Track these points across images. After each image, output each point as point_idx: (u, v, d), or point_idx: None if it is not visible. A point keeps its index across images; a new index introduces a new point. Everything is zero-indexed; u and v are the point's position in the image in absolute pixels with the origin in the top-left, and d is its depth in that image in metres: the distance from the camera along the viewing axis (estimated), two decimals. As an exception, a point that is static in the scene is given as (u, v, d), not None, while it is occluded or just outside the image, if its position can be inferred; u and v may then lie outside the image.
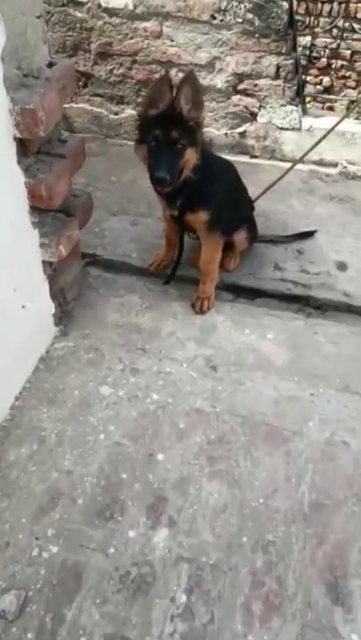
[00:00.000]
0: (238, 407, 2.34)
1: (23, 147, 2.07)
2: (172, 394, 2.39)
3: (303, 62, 3.83)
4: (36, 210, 2.21)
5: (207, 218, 2.56)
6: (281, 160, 3.91)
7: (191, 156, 2.34)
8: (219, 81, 3.71)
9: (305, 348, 2.61)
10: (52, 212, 2.32)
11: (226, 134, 3.95)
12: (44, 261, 2.36)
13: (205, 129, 4.07)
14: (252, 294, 3.01)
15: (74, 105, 4.25)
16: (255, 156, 3.98)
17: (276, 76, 3.58)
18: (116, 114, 4.15)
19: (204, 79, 3.72)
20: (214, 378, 2.46)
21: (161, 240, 3.10)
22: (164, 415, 2.31)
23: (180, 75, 2.51)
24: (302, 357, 2.56)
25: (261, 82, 3.63)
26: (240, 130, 3.89)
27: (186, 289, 2.95)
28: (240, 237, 2.92)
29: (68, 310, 2.73)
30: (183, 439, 2.22)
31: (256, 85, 3.65)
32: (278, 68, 3.53)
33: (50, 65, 2.14)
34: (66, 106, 4.19)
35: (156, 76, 3.71)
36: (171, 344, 2.62)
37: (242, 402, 2.36)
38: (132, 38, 3.74)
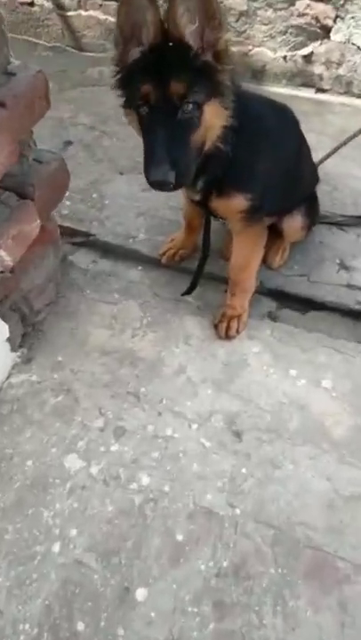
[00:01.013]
0: (270, 510, 1.52)
1: None
2: (172, 476, 1.59)
3: None
4: None
5: (246, 204, 1.63)
6: (360, 97, 2.80)
7: (215, 117, 1.40)
8: (280, -23, 2.57)
9: (380, 409, 1.72)
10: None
11: (284, 58, 2.84)
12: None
13: (253, 50, 2.95)
14: (303, 305, 2.08)
15: (82, 13, 3.21)
16: (323, 90, 2.89)
17: (368, -32, 2.41)
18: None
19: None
20: (237, 452, 1.63)
21: (181, 217, 2.17)
22: (154, 516, 1.52)
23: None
24: (375, 426, 1.68)
25: (343, -23, 2.47)
26: (305, 51, 2.78)
27: (208, 294, 2.07)
28: (294, 224, 1.97)
29: (35, 324, 1.92)
30: (180, 564, 1.44)
31: (334, -16, 2.50)
32: None
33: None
34: (72, 13, 3.17)
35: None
36: (177, 388, 1.78)
37: (276, 500, 1.54)
38: None
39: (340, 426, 1.67)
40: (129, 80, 1.38)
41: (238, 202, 1.64)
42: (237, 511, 1.52)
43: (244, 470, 1.59)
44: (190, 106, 1.33)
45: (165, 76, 1.31)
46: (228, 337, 1.89)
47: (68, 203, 2.36)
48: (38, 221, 1.58)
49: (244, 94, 1.56)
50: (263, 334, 1.92)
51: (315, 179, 2.03)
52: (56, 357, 1.87)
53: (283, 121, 1.76)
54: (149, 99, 1.33)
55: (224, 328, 1.88)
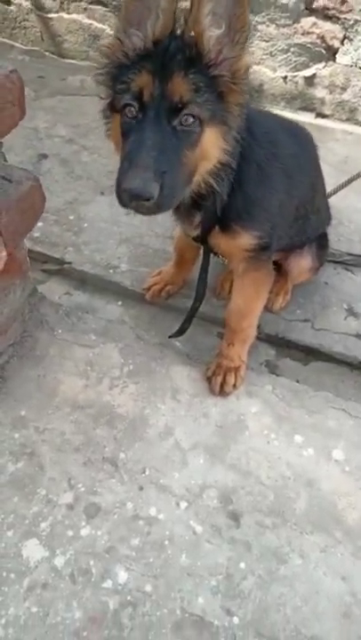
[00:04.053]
0: (274, 619, 1.24)
1: None
2: (155, 571, 1.29)
3: None
4: None
5: (253, 243, 1.37)
6: (363, 125, 2.62)
7: (213, 147, 1.15)
8: (284, -9, 2.37)
9: None
10: None
11: (284, 78, 2.64)
12: None
13: (249, 70, 2.75)
14: (306, 354, 1.84)
15: (65, 15, 2.94)
16: (324, 115, 2.70)
17: (381, -11, 2.23)
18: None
19: (262, -14, 2.39)
20: (234, 541, 1.35)
21: (171, 247, 1.92)
22: (133, 625, 1.22)
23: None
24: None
25: (354, -3, 2.29)
26: (307, 73, 2.58)
27: (199, 338, 1.80)
28: (302, 264, 1.74)
29: (-5, 369, 1.60)
30: None
31: (344, 3, 2.32)
32: (387, -27, 2.19)
33: None
34: (53, 16, 2.90)
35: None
36: (163, 455, 1.50)
37: (282, 606, 1.26)
38: None
39: (354, 509, 1.41)
40: (120, 73, 1.11)
41: (244, 240, 1.38)
42: (235, 620, 1.23)
43: (242, 565, 1.31)
44: (191, 119, 1.08)
45: (168, 70, 1.05)
46: (222, 393, 1.62)
47: (40, 224, 2.06)
48: (4, 253, 1.28)
49: (254, 114, 1.32)
50: (263, 391, 1.66)
51: (328, 214, 1.80)
52: (18, 412, 1.56)
53: (298, 145, 1.52)
54: (143, 95, 1.07)
55: (219, 382, 1.61)
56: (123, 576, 1.28)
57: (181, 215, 1.38)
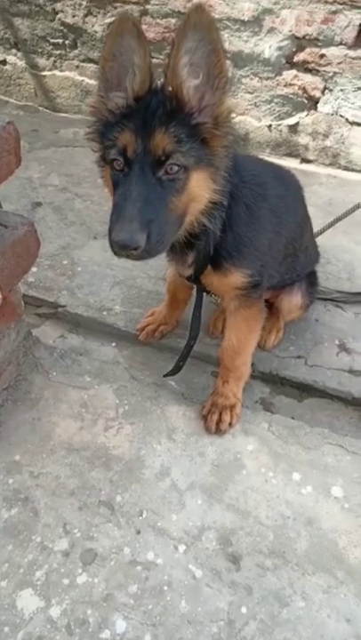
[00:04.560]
0: (279, 667, 1.19)
1: None
2: (154, 619, 1.25)
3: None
4: None
5: (244, 281, 1.40)
6: (346, 169, 2.72)
7: (202, 189, 1.20)
8: (267, 47, 2.52)
9: None
10: None
11: (269, 127, 2.76)
12: None
13: (236, 119, 2.88)
14: (299, 390, 1.84)
15: (57, 73, 3.09)
16: (308, 161, 2.80)
17: (357, 44, 2.36)
18: (116, 88, 2.96)
19: (246, 42, 2.53)
20: (235, 584, 1.32)
21: (164, 288, 1.95)
22: None
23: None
24: None
25: (331, 51, 2.43)
26: (291, 121, 2.70)
27: (193, 376, 1.81)
28: (293, 302, 1.76)
29: (-11, 413, 1.60)
30: None
31: (322, 57, 2.46)
32: (361, 30, 2.33)
33: None
34: (46, 73, 3.04)
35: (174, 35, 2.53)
36: (160, 496, 1.48)
37: (286, 652, 1.21)
38: (142, -24, 2.55)
39: (356, 547, 1.39)
40: (107, 130, 1.17)
41: (236, 278, 1.42)
42: (239, 669, 1.19)
43: (244, 609, 1.28)
44: (176, 167, 1.12)
45: (150, 127, 1.10)
46: (218, 431, 1.61)
47: (34, 269, 2.11)
48: (0, 296, 1.30)
49: (241, 159, 1.38)
50: (259, 428, 1.66)
51: (316, 252, 1.85)
52: (12, 456, 1.54)
53: (286, 186, 1.58)
54: (127, 151, 1.12)
55: (214, 420, 1.61)
56: (121, 625, 1.24)
57: (175, 256, 1.42)
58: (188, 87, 1.11)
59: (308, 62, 2.49)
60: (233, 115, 1.20)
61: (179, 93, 1.11)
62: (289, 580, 1.33)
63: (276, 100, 2.66)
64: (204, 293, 1.58)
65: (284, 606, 1.28)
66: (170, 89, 1.10)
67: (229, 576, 1.33)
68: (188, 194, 1.17)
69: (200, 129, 1.14)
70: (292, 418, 1.72)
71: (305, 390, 1.84)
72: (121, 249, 1.10)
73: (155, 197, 1.12)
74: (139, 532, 1.40)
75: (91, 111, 1.22)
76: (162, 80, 1.13)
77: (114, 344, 1.93)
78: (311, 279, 1.81)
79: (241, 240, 1.38)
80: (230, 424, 1.62)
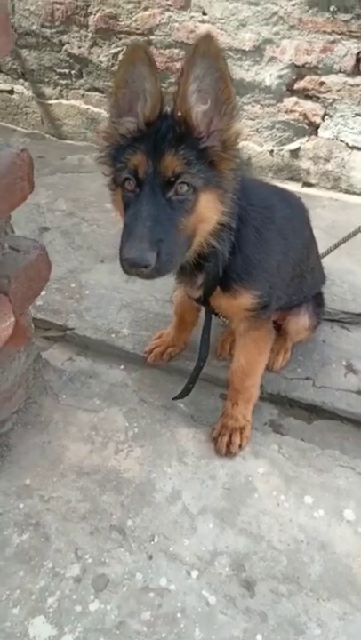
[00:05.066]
0: None
1: None
2: (168, 647, 1.22)
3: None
4: None
5: (253, 302, 1.42)
6: (348, 192, 2.77)
7: (211, 211, 1.23)
8: (268, 76, 2.59)
9: None
10: None
11: (271, 152, 2.81)
12: None
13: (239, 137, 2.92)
14: (308, 411, 1.84)
15: (63, 102, 3.16)
16: (310, 184, 2.84)
17: (356, 72, 2.42)
18: (121, 116, 3.03)
19: (247, 71, 2.60)
20: (249, 611, 1.30)
21: (171, 310, 1.96)
22: None
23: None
24: None
25: (331, 79, 2.50)
26: (292, 146, 2.75)
27: (202, 399, 1.81)
28: (300, 323, 1.78)
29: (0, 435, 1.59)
30: None
31: (322, 84, 2.52)
32: (359, 59, 2.38)
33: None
34: (52, 102, 3.11)
35: (177, 64, 2.61)
36: (172, 520, 1.47)
37: None
38: (146, 9, 2.64)
39: (372, 571, 1.37)
40: (118, 154, 1.21)
41: (245, 300, 1.43)
42: None
43: (259, 637, 1.26)
44: (185, 187, 1.16)
45: (160, 149, 1.14)
46: (229, 453, 1.61)
47: (43, 292, 2.10)
48: (12, 319, 1.32)
49: (248, 182, 1.42)
50: (269, 450, 1.65)
51: (322, 274, 1.87)
52: (23, 480, 1.53)
53: (292, 209, 1.61)
54: (139, 172, 1.16)
55: (225, 443, 1.61)
56: (135, 655, 1.22)
57: (185, 277, 1.43)
58: (197, 112, 1.15)
59: (309, 89, 2.56)
60: (240, 139, 1.23)
61: (188, 118, 1.15)
62: (304, 607, 1.31)
63: (277, 126, 2.72)
64: (213, 315, 1.59)
65: (299, 634, 1.26)
66: (179, 114, 1.15)
67: (244, 602, 1.31)
68: (197, 215, 1.20)
69: (208, 152, 1.18)
70: (302, 440, 1.71)
71: (314, 412, 1.83)
72: (131, 267, 1.13)
73: (165, 217, 1.15)
74: (151, 558, 1.39)
75: (103, 136, 1.26)
76: (172, 106, 1.17)
77: (122, 367, 1.93)
78: (318, 300, 1.83)
79: (250, 262, 1.40)
80: (240, 446, 1.62)
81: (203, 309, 1.68)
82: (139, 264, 1.11)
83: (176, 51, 2.69)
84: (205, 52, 1.08)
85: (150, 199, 1.15)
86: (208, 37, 1.09)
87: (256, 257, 1.41)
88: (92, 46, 2.87)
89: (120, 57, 1.23)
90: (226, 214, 1.25)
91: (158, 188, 1.15)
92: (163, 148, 1.14)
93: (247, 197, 1.35)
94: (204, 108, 1.15)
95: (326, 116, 2.59)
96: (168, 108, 1.18)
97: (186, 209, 1.18)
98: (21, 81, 3.27)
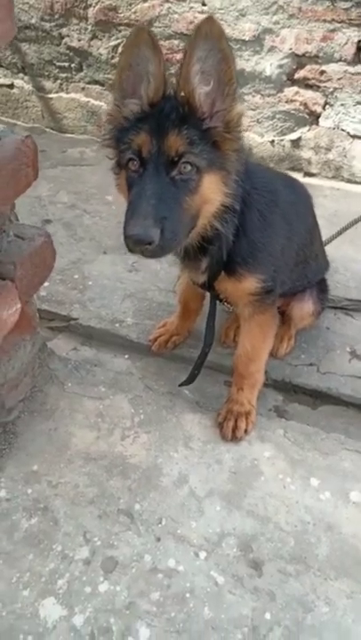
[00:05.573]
0: (306, 673, 1.18)
1: None
2: (178, 627, 1.24)
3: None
4: None
5: (258, 287, 1.43)
6: (349, 181, 2.77)
7: (214, 192, 1.23)
8: (268, 65, 2.59)
9: None
10: None
11: (272, 142, 2.82)
12: None
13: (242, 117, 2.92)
14: (312, 397, 1.85)
15: (63, 95, 3.17)
16: (311, 174, 2.85)
17: (356, 60, 2.42)
18: (121, 108, 3.03)
19: (247, 61, 2.61)
20: (257, 590, 1.31)
21: (174, 300, 1.97)
22: None
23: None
24: None
25: (331, 67, 2.50)
26: (293, 136, 2.76)
27: (207, 386, 1.82)
28: (304, 309, 1.79)
29: (6, 424, 1.61)
30: None
31: (323, 73, 2.53)
32: (360, 47, 2.39)
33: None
34: (52, 96, 3.11)
35: (177, 56, 2.62)
36: (179, 504, 1.48)
37: (312, 658, 1.20)
38: (145, 1, 2.64)
39: (378, 551, 1.38)
40: (122, 135, 1.22)
41: (250, 284, 1.44)
42: (265, 675, 1.18)
43: (268, 616, 1.27)
44: (188, 167, 1.17)
45: (164, 129, 1.15)
46: (234, 438, 1.62)
47: (46, 284, 2.11)
48: (19, 305, 1.32)
49: (253, 168, 1.42)
50: (275, 435, 1.66)
51: (326, 260, 1.88)
52: (31, 466, 1.54)
53: (296, 194, 1.62)
54: (142, 152, 1.17)
55: (230, 428, 1.62)
56: (145, 633, 1.23)
57: (189, 262, 1.44)
58: (200, 93, 1.16)
59: (309, 79, 2.56)
60: (243, 119, 1.24)
61: (191, 99, 1.16)
62: (312, 586, 1.32)
63: (278, 116, 2.72)
64: (218, 301, 1.60)
65: (308, 612, 1.27)
66: (182, 95, 1.16)
67: (252, 582, 1.32)
68: (200, 195, 1.21)
69: (211, 133, 1.20)
70: (307, 424, 1.72)
71: (318, 397, 1.84)
72: (135, 244, 1.13)
73: (168, 196, 1.16)
74: (159, 540, 1.40)
75: (107, 119, 1.27)
76: (175, 87, 1.18)
77: (127, 356, 1.94)
78: (322, 286, 1.84)
79: (255, 245, 1.41)
80: (246, 431, 1.63)
81: (207, 297, 1.69)
82: (143, 240, 1.12)
83: (176, 42, 2.70)
84: (208, 33, 1.09)
85: (154, 178, 1.16)
86: (211, 19, 1.10)
87: (261, 240, 1.42)
88: (91, 39, 2.88)
89: (120, 49, 1.24)
90: (229, 196, 1.26)
91: (162, 167, 1.16)
92: (166, 127, 1.15)
93: (251, 181, 1.36)
94: (206, 89, 1.16)
95: (327, 106, 2.59)
96: (171, 91, 1.19)
97: (190, 188, 1.19)
98: (21, 75, 3.28)
